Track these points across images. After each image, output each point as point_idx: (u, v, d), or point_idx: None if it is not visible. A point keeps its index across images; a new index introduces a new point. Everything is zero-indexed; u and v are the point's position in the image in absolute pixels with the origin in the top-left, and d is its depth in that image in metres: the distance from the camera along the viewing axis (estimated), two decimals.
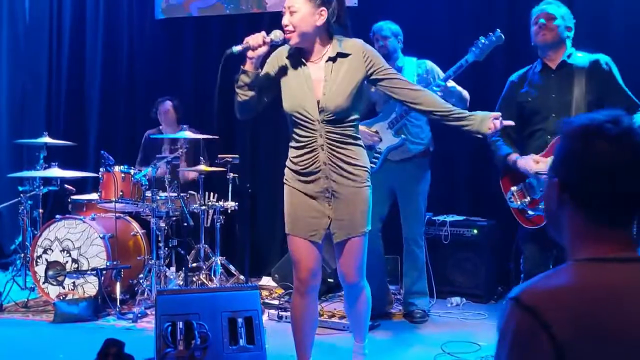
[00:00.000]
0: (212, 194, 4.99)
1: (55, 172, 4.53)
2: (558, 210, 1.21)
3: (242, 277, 4.75)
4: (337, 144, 2.61)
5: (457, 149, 4.79)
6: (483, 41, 3.50)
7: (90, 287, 4.27)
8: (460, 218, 4.64)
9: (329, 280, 4.64)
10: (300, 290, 2.72)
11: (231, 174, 4.86)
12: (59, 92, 6.12)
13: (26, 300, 4.35)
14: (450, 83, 3.65)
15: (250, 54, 2.57)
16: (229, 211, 4.87)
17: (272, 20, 5.46)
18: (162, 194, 4.50)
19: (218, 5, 5.67)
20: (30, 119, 6.19)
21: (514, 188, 3.09)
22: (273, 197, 5.50)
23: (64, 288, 4.31)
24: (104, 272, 4.20)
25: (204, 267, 4.72)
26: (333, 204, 2.65)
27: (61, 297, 4.22)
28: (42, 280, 4.34)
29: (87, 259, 4.32)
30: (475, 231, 4.49)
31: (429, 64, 4.00)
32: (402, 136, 3.88)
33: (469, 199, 4.90)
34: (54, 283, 4.33)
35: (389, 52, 3.96)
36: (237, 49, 2.57)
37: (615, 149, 1.14)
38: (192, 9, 5.76)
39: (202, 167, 4.76)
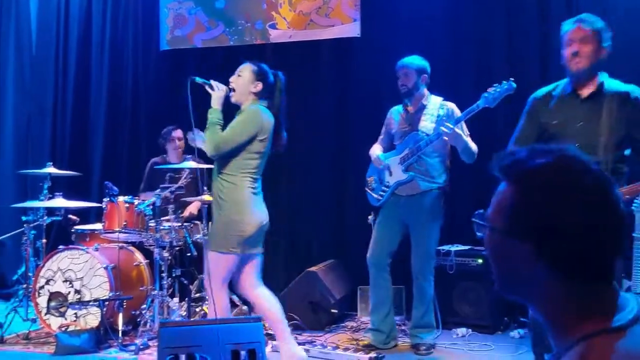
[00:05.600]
0: None
1: (59, 202, 4.53)
2: (531, 280, 1.01)
3: (244, 307, 4.70)
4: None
5: (461, 179, 4.77)
6: (495, 88, 3.54)
7: (92, 318, 4.24)
8: (465, 247, 4.61)
9: (332, 310, 4.59)
10: None
11: None
12: (64, 122, 6.16)
13: (27, 331, 4.32)
14: (459, 131, 3.66)
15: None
16: None
17: (275, 52, 5.55)
18: (166, 224, 4.50)
19: (222, 37, 5.73)
20: (35, 149, 6.23)
21: None
22: (274, 227, 5.48)
23: (65, 319, 4.27)
24: (107, 303, 4.18)
25: (207, 297, 4.68)
26: None
27: (63, 329, 4.18)
28: (44, 311, 4.31)
29: (89, 289, 4.29)
30: (480, 261, 4.44)
31: (452, 107, 4.00)
32: (412, 172, 3.89)
33: (473, 228, 4.85)
34: (56, 314, 4.30)
35: (409, 89, 3.96)
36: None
37: (602, 199, 0.97)
38: (196, 40, 5.82)
39: (205, 197, 4.75)
